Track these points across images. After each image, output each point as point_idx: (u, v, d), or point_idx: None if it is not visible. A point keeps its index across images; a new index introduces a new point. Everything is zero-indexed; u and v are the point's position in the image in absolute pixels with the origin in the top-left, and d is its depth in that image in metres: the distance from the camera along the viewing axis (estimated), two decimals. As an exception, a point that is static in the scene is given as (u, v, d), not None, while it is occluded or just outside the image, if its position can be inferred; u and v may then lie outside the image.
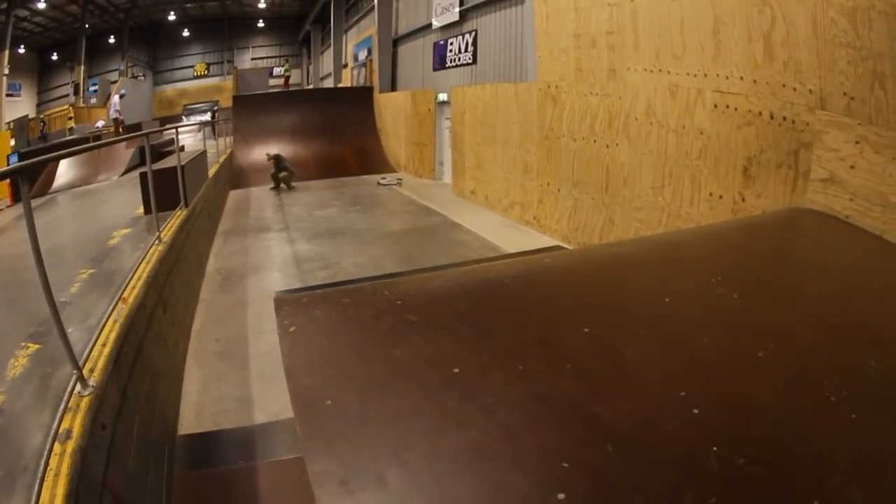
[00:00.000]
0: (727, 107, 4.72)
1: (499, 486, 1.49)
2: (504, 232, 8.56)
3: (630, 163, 6.13)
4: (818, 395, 1.84)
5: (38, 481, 2.02)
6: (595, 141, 6.74)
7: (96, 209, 9.17)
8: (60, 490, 2.00)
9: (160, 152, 12.55)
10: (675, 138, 5.40)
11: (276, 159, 14.12)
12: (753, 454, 1.58)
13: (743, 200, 4.62)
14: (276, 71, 35.39)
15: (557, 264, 3.53)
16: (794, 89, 4.09)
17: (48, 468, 2.09)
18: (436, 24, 13.33)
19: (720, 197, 4.86)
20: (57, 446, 2.20)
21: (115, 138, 10.97)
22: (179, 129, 10.86)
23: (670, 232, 5.41)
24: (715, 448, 1.59)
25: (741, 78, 4.59)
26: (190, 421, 3.99)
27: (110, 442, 2.53)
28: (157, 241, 5.11)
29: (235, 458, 3.59)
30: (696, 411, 1.76)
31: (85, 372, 2.67)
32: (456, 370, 1.97)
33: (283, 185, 14.10)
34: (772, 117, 4.28)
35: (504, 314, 2.53)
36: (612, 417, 1.74)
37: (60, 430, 2.29)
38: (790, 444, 1.65)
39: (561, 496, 1.43)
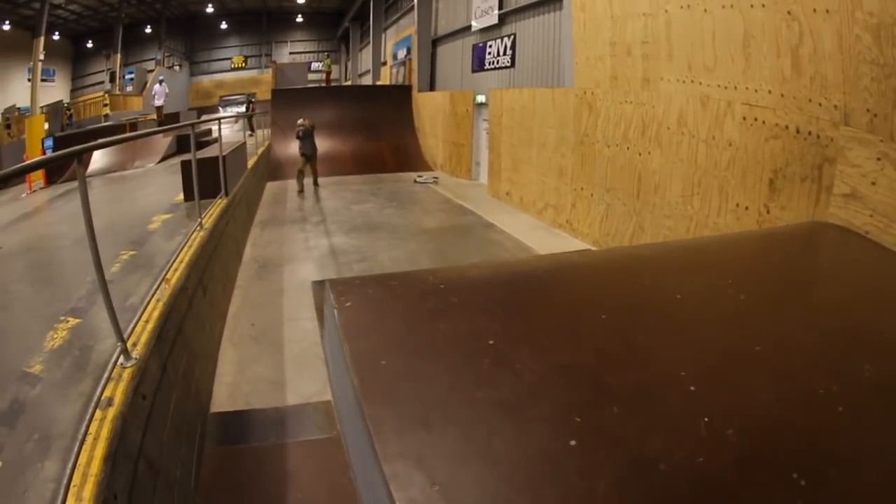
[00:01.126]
0: (755, 119, 4.84)
1: (522, 431, 1.81)
2: (537, 234, 8.73)
3: (661, 171, 6.29)
4: (808, 387, 2.05)
5: (77, 443, 2.10)
6: (628, 148, 6.90)
7: (136, 194, 9.40)
8: (99, 452, 2.08)
9: (198, 142, 12.86)
10: (704, 149, 5.54)
11: (305, 136, 12.97)
12: (740, 427, 1.82)
13: (768, 212, 4.74)
14: (315, 66, 36.01)
15: (583, 261, 3.82)
16: (820, 104, 4.20)
17: (88, 432, 2.17)
18: (475, 25, 13.53)
19: (746, 208, 5.00)
20: (98, 412, 2.29)
21: (163, 127, 11.33)
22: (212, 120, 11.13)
23: (692, 238, 5.57)
24: (706, 419, 1.84)
25: (769, 91, 4.71)
26: (223, 400, 4.09)
27: (149, 412, 2.62)
28: (198, 227, 5.30)
29: (267, 436, 3.65)
30: (692, 388, 2.02)
31: (128, 345, 2.79)
32: (490, 342, 2.29)
33: (307, 184, 13.14)
34: (798, 131, 4.40)
35: (533, 300, 2.86)
36: (620, 386, 2.04)
37: (102, 398, 2.39)
38: (775, 424, 1.88)
39: (573, 442, 1.75)
